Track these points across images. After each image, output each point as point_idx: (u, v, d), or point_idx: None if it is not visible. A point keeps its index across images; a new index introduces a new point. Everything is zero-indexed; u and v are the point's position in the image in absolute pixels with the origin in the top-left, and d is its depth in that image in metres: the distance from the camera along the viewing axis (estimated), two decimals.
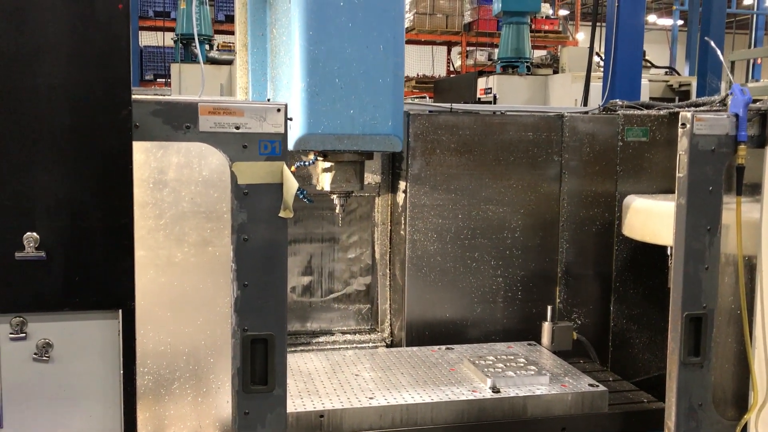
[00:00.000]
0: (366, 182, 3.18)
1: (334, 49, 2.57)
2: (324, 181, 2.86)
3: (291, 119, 2.30)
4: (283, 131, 2.20)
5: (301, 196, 2.84)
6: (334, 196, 2.96)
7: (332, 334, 3.61)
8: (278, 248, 2.22)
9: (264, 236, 2.20)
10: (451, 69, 19.93)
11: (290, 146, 2.57)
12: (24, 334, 1.99)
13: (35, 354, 2.01)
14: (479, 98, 12.41)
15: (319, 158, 2.81)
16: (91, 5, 1.95)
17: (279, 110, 2.20)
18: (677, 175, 2.61)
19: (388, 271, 3.63)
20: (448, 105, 3.68)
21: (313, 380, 2.97)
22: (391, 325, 3.62)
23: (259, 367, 2.24)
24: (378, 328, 3.65)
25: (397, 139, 2.68)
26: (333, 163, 2.82)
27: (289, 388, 2.68)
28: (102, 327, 2.04)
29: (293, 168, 2.78)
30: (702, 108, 3.28)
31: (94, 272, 2.00)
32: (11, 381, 2.00)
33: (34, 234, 1.95)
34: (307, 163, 2.82)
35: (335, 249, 3.64)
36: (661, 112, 3.61)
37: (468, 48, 18.14)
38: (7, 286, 1.96)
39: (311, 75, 2.56)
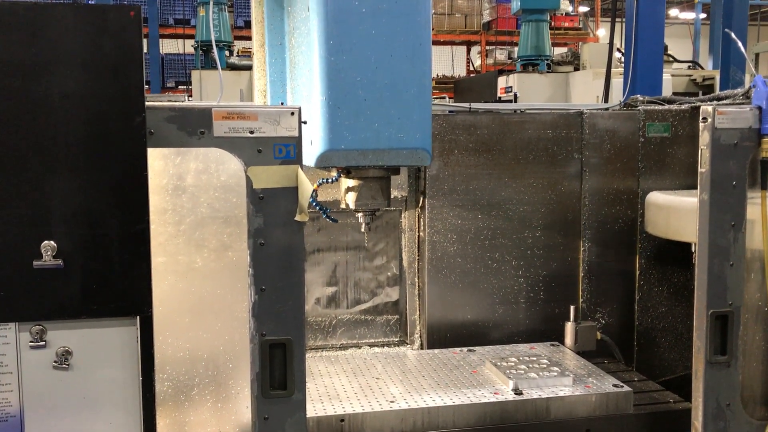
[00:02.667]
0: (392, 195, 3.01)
1: (357, 59, 2.42)
2: (348, 199, 2.74)
3: (305, 122, 2.28)
4: (297, 134, 2.19)
5: (324, 215, 2.82)
6: (360, 214, 2.83)
7: (359, 347, 3.52)
8: (295, 252, 2.21)
9: (280, 240, 2.19)
10: (471, 69, 19.87)
11: (312, 163, 2.48)
12: (44, 342, 2.00)
13: (55, 362, 2.02)
14: (500, 97, 12.35)
15: (342, 175, 2.69)
16: (103, 14, 1.96)
17: (293, 114, 2.19)
18: (699, 170, 2.56)
19: (416, 279, 3.52)
20: (466, 105, 3.66)
21: (333, 384, 2.96)
22: (420, 336, 3.51)
23: (278, 372, 2.23)
24: (407, 340, 3.55)
25: (425, 153, 2.53)
26: (357, 182, 2.69)
27: (309, 392, 2.67)
28: (120, 334, 2.05)
29: (315, 185, 2.74)
30: (724, 101, 3.22)
31: (111, 279, 2.00)
32: (32, 389, 2.01)
33: (52, 242, 1.96)
34: (330, 180, 2.70)
35: (361, 257, 3.55)
36: (683, 107, 3.55)
37: (487, 47, 18.07)
38: (26, 295, 1.97)
39: (332, 87, 2.42)
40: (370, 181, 2.69)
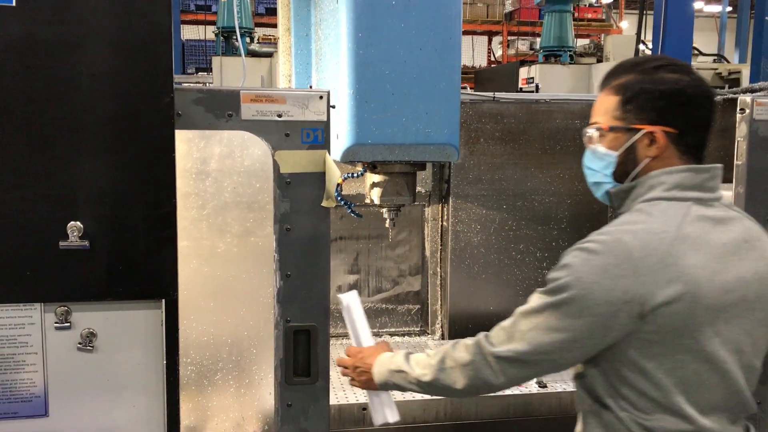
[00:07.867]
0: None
1: (386, 53, 2.38)
2: (373, 194, 2.71)
3: (333, 107, 2.25)
4: (325, 119, 2.15)
5: (348, 210, 2.78)
6: (384, 210, 2.79)
7: (380, 336, 3.50)
8: (321, 238, 2.18)
9: (307, 226, 2.16)
10: (492, 59, 19.73)
11: (338, 157, 2.44)
12: (68, 324, 1.99)
13: (80, 343, 2.00)
14: (521, 88, 12.26)
15: (368, 170, 2.66)
16: None
17: (321, 97, 2.15)
18: (735, 162, 2.50)
19: (439, 269, 3.49)
20: (489, 94, 3.61)
21: None
22: (442, 326, 3.50)
23: (301, 359, 2.20)
24: (429, 330, 3.54)
25: (453, 149, 2.48)
26: (383, 177, 2.65)
27: (332, 379, 2.65)
28: (145, 317, 2.03)
29: (341, 179, 2.71)
30: (760, 93, 3.15)
31: (137, 262, 1.98)
32: (56, 370, 2.00)
33: (78, 223, 1.93)
34: (355, 175, 2.67)
35: (383, 246, 3.53)
36: (716, 99, 3.48)
37: (509, 37, 17.93)
38: (52, 276, 1.95)
39: (360, 81, 2.38)
40: (396, 177, 2.64)
